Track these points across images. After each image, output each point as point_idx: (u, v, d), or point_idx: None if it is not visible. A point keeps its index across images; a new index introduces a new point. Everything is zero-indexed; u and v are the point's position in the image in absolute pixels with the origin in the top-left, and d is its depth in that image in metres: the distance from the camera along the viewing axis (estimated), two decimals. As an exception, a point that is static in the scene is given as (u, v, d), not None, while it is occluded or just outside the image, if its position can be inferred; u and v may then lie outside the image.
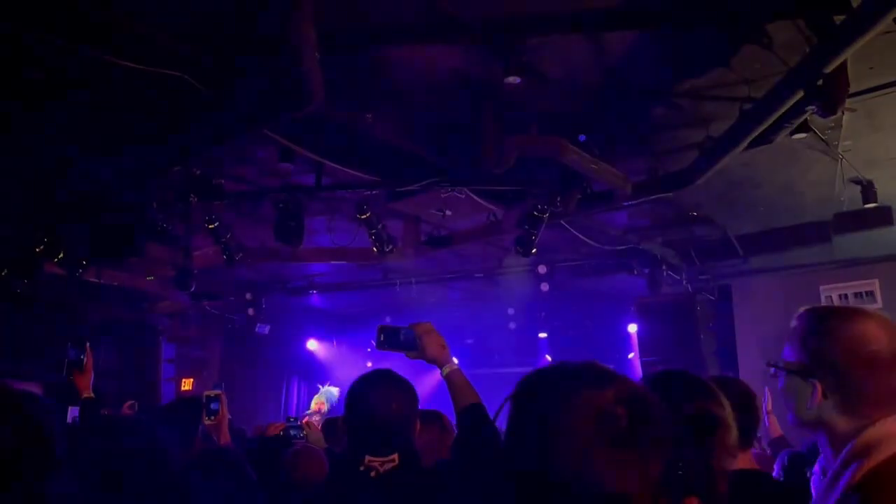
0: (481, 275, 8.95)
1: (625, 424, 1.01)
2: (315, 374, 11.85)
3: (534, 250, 5.95)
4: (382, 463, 2.00)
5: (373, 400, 2.05)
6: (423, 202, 5.84)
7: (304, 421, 4.65)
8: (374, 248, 6.21)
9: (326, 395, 10.38)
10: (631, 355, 10.96)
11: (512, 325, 10.96)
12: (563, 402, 1.04)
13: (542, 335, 11.69)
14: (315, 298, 10.24)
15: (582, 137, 4.93)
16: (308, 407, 10.47)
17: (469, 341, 11.82)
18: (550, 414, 1.04)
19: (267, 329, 10.79)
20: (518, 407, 1.10)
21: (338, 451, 3.89)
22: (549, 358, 12.29)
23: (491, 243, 7.40)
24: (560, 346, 11.89)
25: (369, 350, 12.75)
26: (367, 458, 2.01)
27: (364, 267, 8.56)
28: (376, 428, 2.03)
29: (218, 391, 3.35)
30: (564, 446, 1.01)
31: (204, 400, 3.29)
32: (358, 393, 2.10)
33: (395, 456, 2.02)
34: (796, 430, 1.74)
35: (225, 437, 3.16)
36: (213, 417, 3.21)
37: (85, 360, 3.27)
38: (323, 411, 10.40)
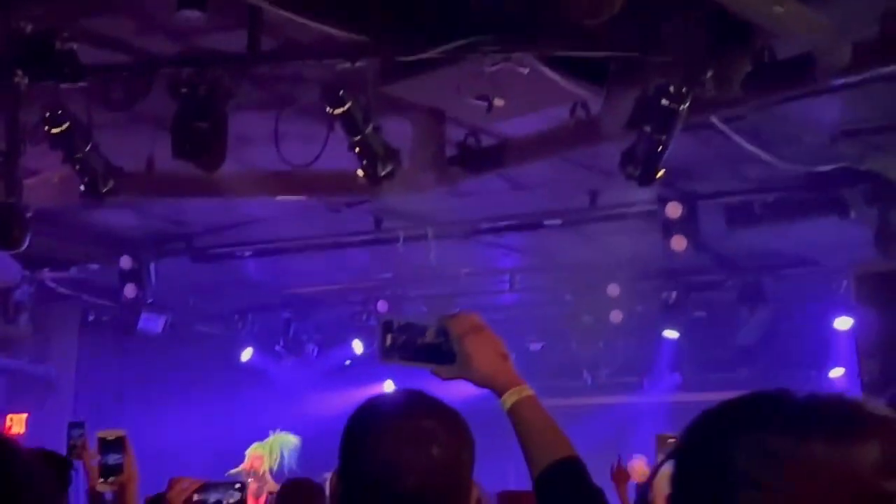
0: (559, 222, 8.98)
1: None
2: (260, 407, 12.03)
3: (659, 174, 5.97)
4: None
5: (397, 447, 2.08)
6: (452, 83, 5.80)
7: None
8: (361, 172, 6.25)
9: (277, 445, 10.56)
10: (837, 372, 10.97)
11: (615, 318, 11.01)
12: (783, 470, 1.08)
13: (670, 334, 11.77)
14: (251, 267, 10.35)
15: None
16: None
17: (535, 347, 11.91)
18: (757, 491, 1.09)
19: (161, 324, 10.90)
20: (690, 478, 1.15)
21: None
22: (680, 380, 12.34)
23: (577, 161, 7.40)
24: (701, 357, 11.91)
25: (349, 362, 12.90)
26: None
27: (341, 208, 8.62)
28: (405, 497, 2.06)
29: (119, 431, 3.48)
30: None
31: (99, 447, 3.43)
32: (368, 435, 2.13)
33: None
34: None
35: None
36: (112, 478, 3.34)
37: None
38: (262, 470, 10.61)
